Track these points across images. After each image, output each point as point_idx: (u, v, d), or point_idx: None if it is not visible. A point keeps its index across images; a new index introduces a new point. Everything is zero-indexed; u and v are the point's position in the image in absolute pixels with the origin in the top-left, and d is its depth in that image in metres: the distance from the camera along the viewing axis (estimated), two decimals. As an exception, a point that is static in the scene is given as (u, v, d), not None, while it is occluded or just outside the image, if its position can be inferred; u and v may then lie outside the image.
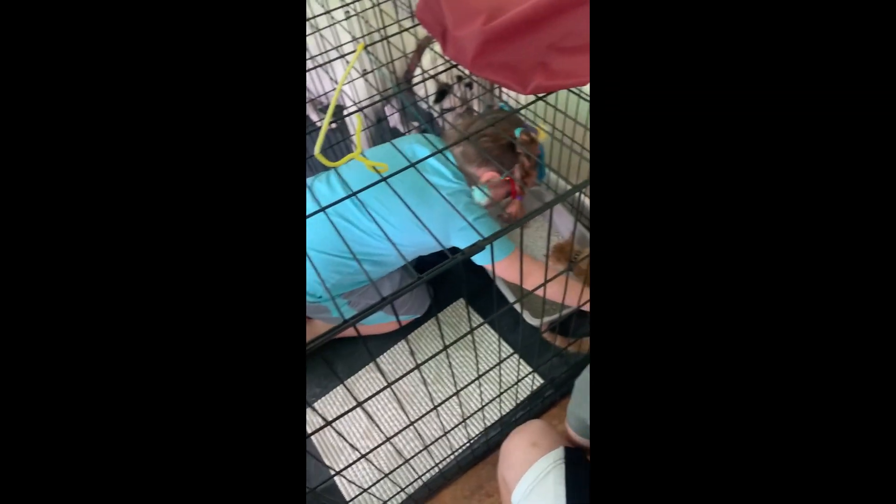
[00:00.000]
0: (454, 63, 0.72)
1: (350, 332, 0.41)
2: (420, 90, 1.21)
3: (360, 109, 0.59)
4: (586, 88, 1.01)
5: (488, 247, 0.44)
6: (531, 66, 0.58)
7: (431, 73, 0.78)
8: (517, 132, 0.95)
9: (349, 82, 1.12)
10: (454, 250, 0.49)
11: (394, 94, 1.14)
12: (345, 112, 1.17)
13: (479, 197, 1.01)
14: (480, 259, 0.86)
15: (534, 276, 0.98)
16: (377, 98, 1.14)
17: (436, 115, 1.26)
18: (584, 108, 1.02)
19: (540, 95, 0.62)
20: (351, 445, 0.51)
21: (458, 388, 0.61)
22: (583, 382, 0.64)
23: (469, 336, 1.12)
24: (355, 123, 1.29)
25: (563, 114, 0.66)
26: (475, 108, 1.34)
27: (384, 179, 0.52)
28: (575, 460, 0.67)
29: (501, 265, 0.95)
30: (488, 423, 1.00)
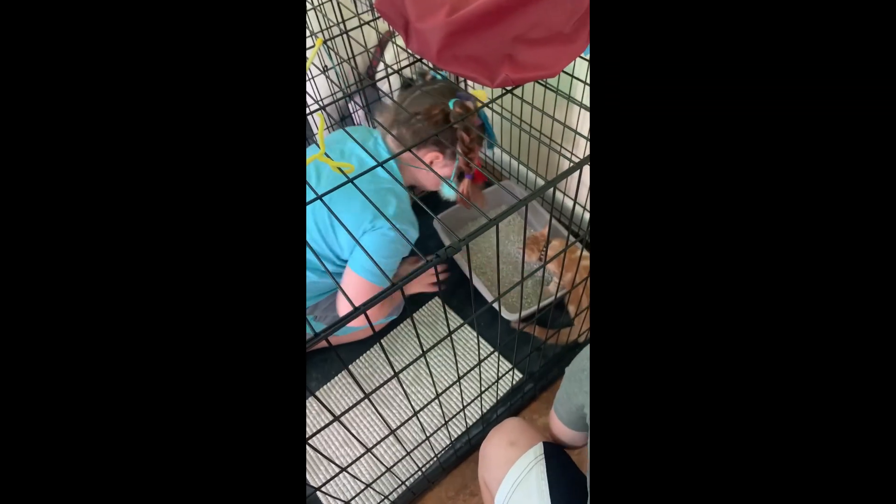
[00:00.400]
0: (418, 57, 0.70)
1: (322, 342, 0.39)
2: (384, 86, 1.18)
3: (322, 108, 0.56)
4: (554, 81, 1.01)
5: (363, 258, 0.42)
6: (498, 59, 0.57)
7: (395, 68, 0.75)
8: (451, 104, 0.84)
9: (309, 80, 1.08)
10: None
11: (357, 91, 1.10)
12: (307, 111, 1.12)
13: (448, 192, 0.98)
14: (357, 269, 0.85)
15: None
16: (339, 95, 1.10)
17: (401, 111, 1.24)
18: (551, 98, 1.02)
19: (508, 89, 0.61)
20: (329, 460, 0.49)
21: (438, 393, 0.59)
22: (574, 371, 0.63)
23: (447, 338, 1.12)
24: (317, 122, 1.25)
25: (532, 106, 0.65)
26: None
27: (350, 181, 0.49)
28: (555, 454, 0.67)
29: (356, 281, 0.87)
30: (470, 423, 0.99)
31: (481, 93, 0.74)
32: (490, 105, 0.55)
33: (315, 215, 0.88)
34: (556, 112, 1.04)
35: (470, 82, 1.27)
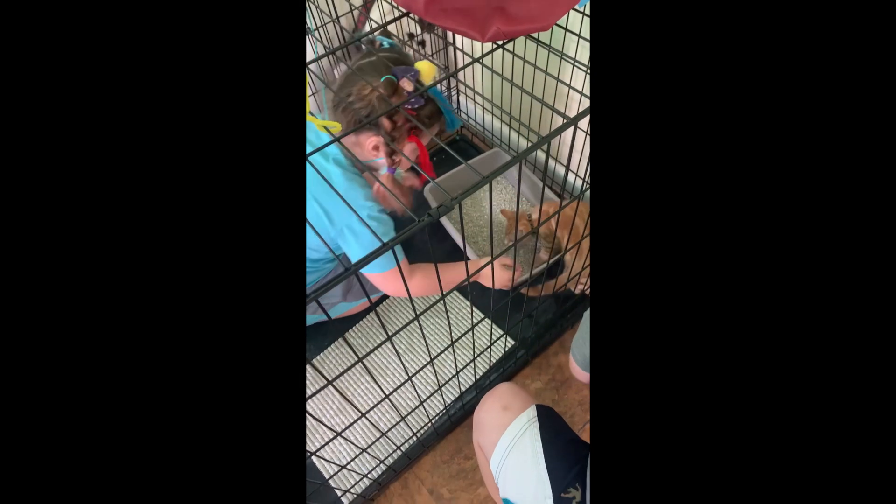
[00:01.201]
0: (406, 12, 0.66)
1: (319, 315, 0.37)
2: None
3: (305, 66, 0.53)
4: (545, 35, 0.98)
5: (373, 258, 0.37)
6: (488, 12, 0.54)
7: (381, 26, 0.71)
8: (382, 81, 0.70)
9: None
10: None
11: (334, 53, 1.06)
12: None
13: (400, 176, 0.85)
14: (365, 269, 0.74)
15: (455, 275, 0.84)
16: (323, 55, 1.06)
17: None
18: (543, 55, 0.99)
19: (499, 43, 0.58)
20: (324, 425, 0.49)
21: (433, 357, 0.59)
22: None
23: (439, 304, 1.12)
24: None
25: (524, 61, 0.63)
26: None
27: (336, 140, 0.47)
28: (548, 416, 0.68)
29: (378, 279, 0.80)
30: (464, 388, 1.00)
31: (427, 66, 0.63)
32: (480, 61, 0.52)
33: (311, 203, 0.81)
34: (549, 70, 1.01)
35: (460, 39, 1.23)
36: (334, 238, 0.80)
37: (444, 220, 1.17)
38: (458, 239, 1.13)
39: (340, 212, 0.77)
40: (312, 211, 0.78)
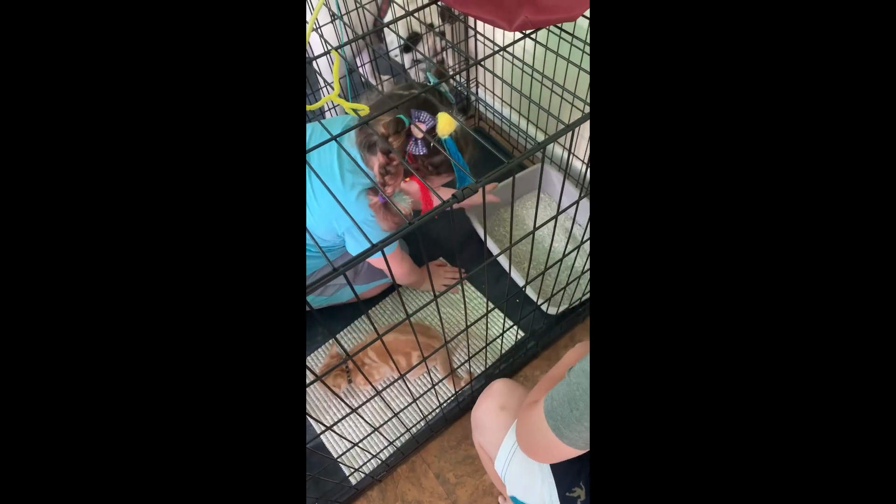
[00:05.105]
0: (430, 0, 0.67)
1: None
2: (391, 37, 1.15)
3: (334, 48, 0.54)
4: (569, 26, 0.98)
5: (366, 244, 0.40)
6: (517, 1, 0.55)
7: (405, 14, 0.72)
8: (403, 118, 0.71)
9: (317, 29, 1.05)
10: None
11: (363, 38, 1.07)
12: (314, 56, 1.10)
13: (401, 201, 0.87)
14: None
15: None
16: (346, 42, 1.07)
17: (407, 66, 1.20)
18: (564, 48, 0.99)
19: (526, 33, 0.59)
20: (341, 399, 0.50)
21: (447, 340, 0.60)
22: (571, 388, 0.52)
23: (454, 291, 1.13)
24: (327, 69, 1.22)
25: (553, 53, 0.63)
26: (448, 60, 1.29)
27: (334, 138, 0.47)
28: None
29: (380, 261, 0.83)
30: (474, 375, 1.01)
31: (446, 119, 0.61)
32: (503, 52, 0.53)
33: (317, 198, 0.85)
34: (569, 65, 1.01)
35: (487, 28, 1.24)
36: (348, 227, 0.83)
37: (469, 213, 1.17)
38: (478, 223, 1.14)
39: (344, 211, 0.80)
40: (326, 200, 0.82)
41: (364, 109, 0.50)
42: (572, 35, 0.69)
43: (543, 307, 0.99)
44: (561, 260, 0.70)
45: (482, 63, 1.33)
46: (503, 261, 1.13)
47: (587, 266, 0.90)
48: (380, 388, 1.00)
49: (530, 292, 1.03)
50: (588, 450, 0.53)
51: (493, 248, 1.11)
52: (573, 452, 0.52)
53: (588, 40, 0.83)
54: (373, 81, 1.35)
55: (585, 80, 0.96)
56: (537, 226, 0.55)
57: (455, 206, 0.41)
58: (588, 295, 1.04)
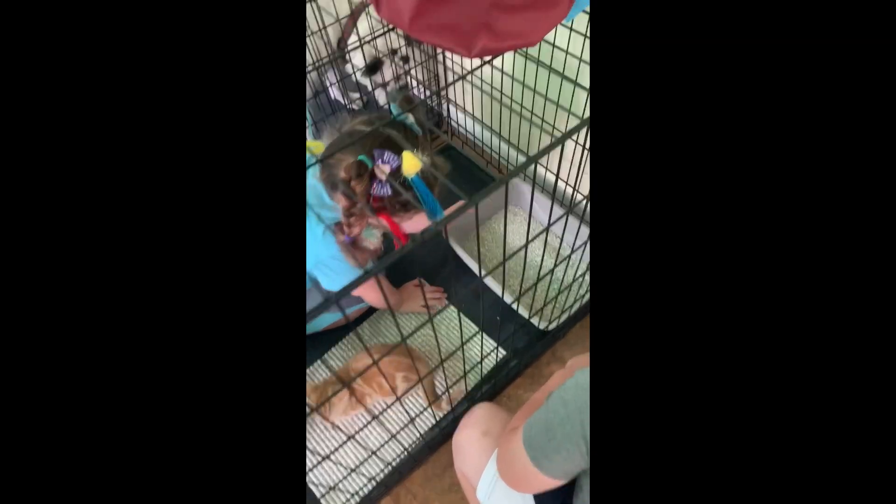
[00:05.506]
0: (390, 27, 0.66)
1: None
2: (357, 58, 1.13)
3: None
4: (533, 50, 0.98)
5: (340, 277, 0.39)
6: (475, 27, 0.54)
7: (367, 39, 0.70)
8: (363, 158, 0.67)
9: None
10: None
11: (329, 62, 1.05)
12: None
13: (369, 235, 0.84)
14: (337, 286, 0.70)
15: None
16: (309, 69, 1.04)
17: (370, 88, 1.18)
18: (531, 70, 0.99)
19: (486, 59, 0.58)
20: (309, 451, 0.48)
21: (420, 377, 0.58)
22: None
23: (431, 320, 1.10)
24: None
25: (512, 79, 0.62)
26: (417, 75, 1.27)
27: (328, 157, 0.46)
28: None
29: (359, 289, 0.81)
30: (455, 402, 0.99)
31: (410, 158, 0.60)
32: (468, 77, 0.52)
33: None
34: (537, 86, 1.01)
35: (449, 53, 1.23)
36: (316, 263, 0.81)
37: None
38: (462, 255, 1.12)
39: (312, 247, 0.77)
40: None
41: (319, 147, 0.48)
42: (537, 60, 0.68)
43: (534, 320, 0.98)
44: (551, 272, 0.69)
45: (446, 90, 1.32)
46: (488, 280, 1.11)
47: (576, 276, 0.90)
48: (367, 417, 0.97)
49: (519, 308, 1.02)
50: (567, 481, 0.52)
51: (474, 266, 1.10)
52: (553, 483, 0.51)
53: (552, 64, 0.83)
54: (342, 101, 1.33)
55: (552, 105, 0.95)
56: (529, 239, 0.53)
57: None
58: (575, 306, 1.03)
